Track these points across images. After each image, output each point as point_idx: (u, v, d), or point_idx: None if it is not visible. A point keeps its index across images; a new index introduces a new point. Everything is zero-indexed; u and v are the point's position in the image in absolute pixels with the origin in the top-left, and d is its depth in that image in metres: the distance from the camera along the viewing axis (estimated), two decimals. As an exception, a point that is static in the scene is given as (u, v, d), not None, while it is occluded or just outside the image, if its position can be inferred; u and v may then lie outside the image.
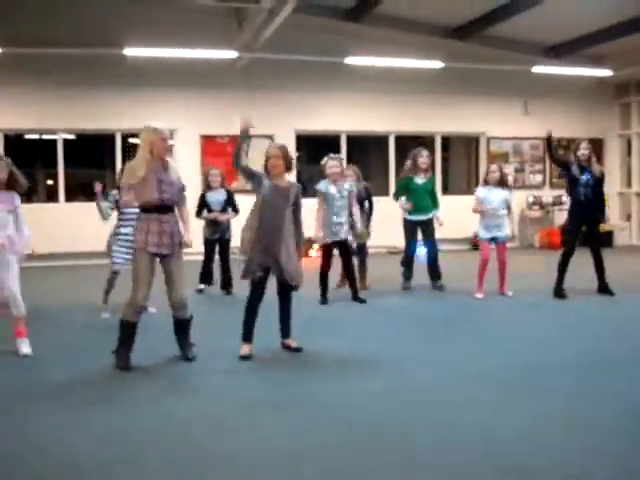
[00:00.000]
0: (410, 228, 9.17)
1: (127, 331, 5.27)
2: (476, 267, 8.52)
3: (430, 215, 9.09)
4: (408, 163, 9.22)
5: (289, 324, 5.80)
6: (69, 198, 13.81)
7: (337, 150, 14.27)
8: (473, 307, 7.99)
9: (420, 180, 9.07)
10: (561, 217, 14.89)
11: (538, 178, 15.85)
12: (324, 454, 3.55)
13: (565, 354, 5.59)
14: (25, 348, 5.62)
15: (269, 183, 5.52)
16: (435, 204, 9.16)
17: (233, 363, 5.36)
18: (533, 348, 5.83)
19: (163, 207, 5.28)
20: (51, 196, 16.46)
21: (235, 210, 8.86)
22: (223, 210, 8.83)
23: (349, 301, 8.19)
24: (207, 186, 9.09)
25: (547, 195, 15.61)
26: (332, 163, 8.06)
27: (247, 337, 5.54)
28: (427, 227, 9.12)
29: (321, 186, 8.00)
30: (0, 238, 5.49)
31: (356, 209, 8.26)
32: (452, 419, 4.06)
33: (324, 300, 8.12)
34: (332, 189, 7.98)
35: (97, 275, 8.11)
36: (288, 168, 5.67)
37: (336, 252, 8.21)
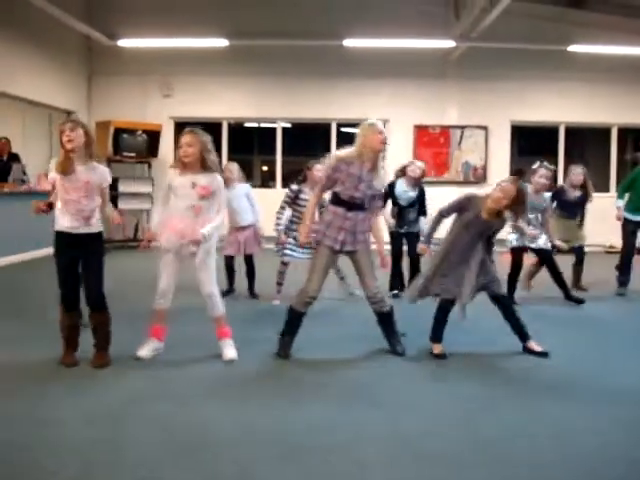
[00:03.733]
0: (630, 229, 8.49)
1: (293, 319, 5.25)
2: None
3: None
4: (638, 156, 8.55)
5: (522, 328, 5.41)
6: (284, 185, 14.37)
7: (555, 142, 13.74)
8: None
9: None
10: None
11: None
12: None
13: None
14: (230, 352, 5.14)
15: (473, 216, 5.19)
16: None
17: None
18: None
19: (352, 204, 5.14)
20: (266, 182, 17.23)
21: (424, 213, 7.93)
22: (410, 206, 7.87)
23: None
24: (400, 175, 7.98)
25: None
26: (543, 172, 7.43)
27: (436, 338, 5.39)
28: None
29: None
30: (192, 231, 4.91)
31: None
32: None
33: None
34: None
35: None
36: (517, 212, 5.30)
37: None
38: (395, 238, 7.92)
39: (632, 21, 12.72)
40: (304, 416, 3.95)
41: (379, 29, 12.07)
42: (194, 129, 4.95)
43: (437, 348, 5.34)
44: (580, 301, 7.65)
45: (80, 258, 4.82)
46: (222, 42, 12.48)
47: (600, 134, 14.97)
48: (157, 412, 3.97)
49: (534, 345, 5.32)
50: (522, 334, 5.36)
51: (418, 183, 7.94)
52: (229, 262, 7.75)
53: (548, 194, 7.80)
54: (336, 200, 5.20)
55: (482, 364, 5.12)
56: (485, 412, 4.06)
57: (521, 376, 4.83)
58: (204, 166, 4.87)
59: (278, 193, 13.91)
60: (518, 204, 5.15)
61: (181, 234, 4.87)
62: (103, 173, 4.85)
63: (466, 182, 13.49)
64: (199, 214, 4.90)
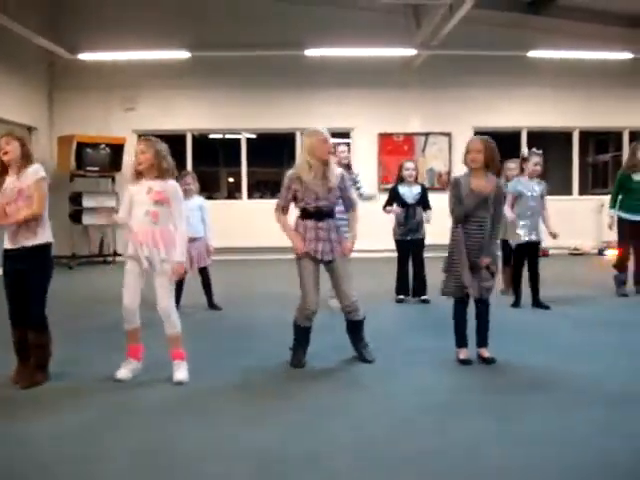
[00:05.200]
0: (625, 229, 8.52)
1: (300, 334, 5.27)
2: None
3: None
4: (627, 159, 8.65)
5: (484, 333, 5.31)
6: (250, 195, 14.41)
7: (516, 148, 13.89)
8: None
9: (638, 177, 8.42)
10: None
11: None
12: None
13: None
14: (181, 374, 4.83)
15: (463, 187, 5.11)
16: None
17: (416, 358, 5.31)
18: None
19: (319, 213, 5.16)
20: (232, 193, 17.21)
21: (428, 207, 8.08)
22: (417, 204, 8.03)
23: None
24: (400, 179, 8.16)
25: None
26: (537, 160, 7.67)
27: (459, 342, 5.30)
28: None
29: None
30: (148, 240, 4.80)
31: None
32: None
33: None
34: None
35: (279, 269, 8.32)
36: (489, 166, 5.10)
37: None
38: (401, 244, 8.15)
39: (590, 26, 12.96)
40: (274, 428, 3.93)
41: (341, 39, 12.15)
42: (148, 137, 4.94)
43: (462, 353, 5.26)
44: (546, 307, 7.67)
45: (24, 273, 4.70)
46: (184, 54, 12.47)
47: (562, 138, 15.19)
48: (126, 429, 3.93)
49: (485, 352, 5.24)
50: (483, 338, 5.27)
51: (416, 181, 8.27)
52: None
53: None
54: (304, 214, 5.21)
55: (452, 370, 5.13)
56: (456, 418, 4.07)
57: (494, 382, 4.85)
58: (160, 172, 4.81)
59: (244, 204, 14.02)
60: (492, 158, 5.06)
61: (140, 243, 4.77)
62: (30, 173, 4.69)
63: (431, 188, 13.52)
64: (157, 221, 4.77)
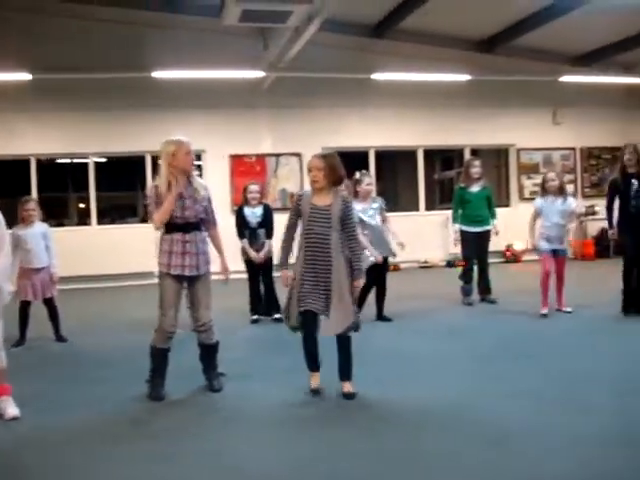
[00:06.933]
0: (468, 240, 8.93)
1: (158, 358, 5.06)
2: (508, 281, 8.34)
3: (488, 227, 8.93)
4: (462, 174, 9.11)
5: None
6: (101, 221, 13.99)
7: (366, 166, 14.26)
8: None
9: (475, 189, 8.94)
10: (594, 227, 14.85)
11: (569, 188, 15.63)
12: None
13: None
14: (12, 410, 4.61)
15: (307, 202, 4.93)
16: (492, 214, 8.97)
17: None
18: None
19: (186, 225, 5.03)
20: (82, 219, 16.67)
21: (270, 228, 8.10)
22: (260, 226, 8.07)
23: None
24: (245, 201, 8.23)
25: (579, 206, 15.42)
26: (368, 180, 7.88)
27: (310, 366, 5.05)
28: (484, 240, 8.97)
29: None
30: None
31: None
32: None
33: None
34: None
35: (132, 295, 8.15)
36: (334, 182, 4.93)
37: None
38: (250, 265, 8.16)
39: (431, 49, 13.57)
40: (128, 456, 3.83)
41: (189, 60, 12.05)
42: None
43: (313, 379, 5.02)
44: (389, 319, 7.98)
45: None
46: (25, 76, 11.97)
47: (408, 156, 15.74)
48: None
49: (346, 386, 4.90)
50: (345, 372, 4.94)
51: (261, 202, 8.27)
52: (25, 308, 7.23)
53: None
54: (170, 227, 5.03)
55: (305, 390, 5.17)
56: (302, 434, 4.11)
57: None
58: None
59: (94, 230, 13.59)
60: (335, 173, 4.87)
61: None
62: None
63: (284, 209, 13.67)
64: None
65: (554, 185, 7.94)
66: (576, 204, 8.07)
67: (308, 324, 4.92)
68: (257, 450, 3.92)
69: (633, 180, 7.57)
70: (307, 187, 4.88)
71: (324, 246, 4.83)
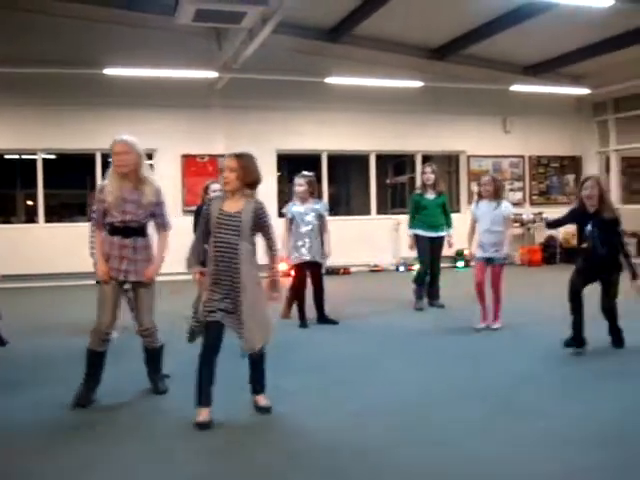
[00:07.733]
0: (422, 245, 9.01)
1: (93, 361, 4.90)
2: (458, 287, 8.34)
3: (442, 233, 9.03)
4: (419, 180, 9.27)
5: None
6: (49, 219, 13.75)
7: (318, 169, 14.29)
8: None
9: (431, 196, 9.02)
10: (541, 235, 15.11)
11: (518, 195, 15.89)
12: None
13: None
14: None
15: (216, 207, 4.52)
16: (448, 222, 9.06)
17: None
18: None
19: (126, 230, 4.90)
20: (30, 217, 16.36)
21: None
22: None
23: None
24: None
25: (527, 212, 15.67)
26: (299, 181, 7.97)
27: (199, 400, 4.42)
28: (437, 245, 9.08)
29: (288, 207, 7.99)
30: None
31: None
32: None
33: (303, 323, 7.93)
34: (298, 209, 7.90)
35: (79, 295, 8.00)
36: (248, 185, 4.53)
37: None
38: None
39: (385, 55, 13.71)
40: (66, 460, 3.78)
41: (143, 58, 11.93)
42: None
43: (200, 413, 4.35)
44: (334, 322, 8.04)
45: None
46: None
47: (361, 160, 15.83)
48: None
49: (262, 400, 4.65)
50: (260, 386, 4.68)
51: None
52: None
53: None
54: (111, 230, 4.91)
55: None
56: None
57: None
58: None
59: (41, 228, 13.35)
60: (248, 175, 4.49)
61: None
62: None
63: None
64: None
65: (488, 189, 7.47)
66: (510, 210, 7.52)
67: (211, 336, 4.44)
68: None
69: (589, 226, 6.18)
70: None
71: (232, 258, 4.39)
